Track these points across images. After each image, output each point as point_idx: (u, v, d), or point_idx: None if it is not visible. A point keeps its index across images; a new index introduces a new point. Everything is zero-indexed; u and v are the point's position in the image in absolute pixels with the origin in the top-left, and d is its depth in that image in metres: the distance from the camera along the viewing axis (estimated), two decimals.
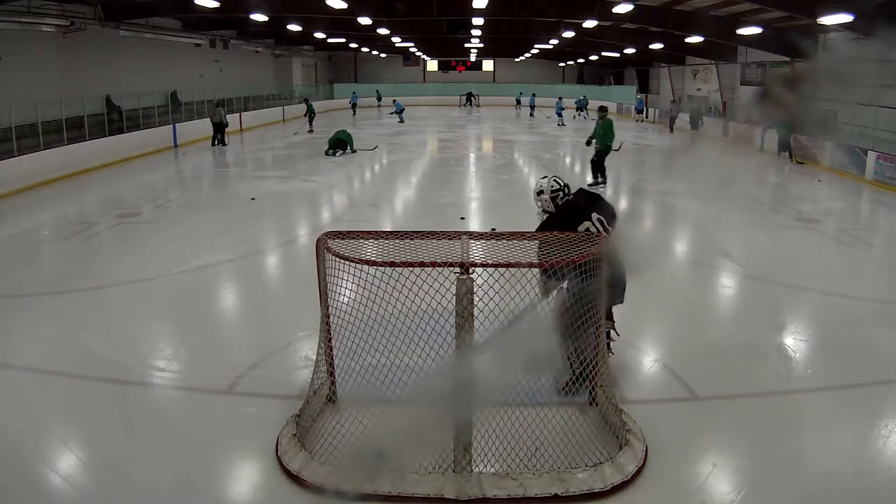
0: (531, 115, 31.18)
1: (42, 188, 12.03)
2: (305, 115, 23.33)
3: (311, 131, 22.39)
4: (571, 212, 4.27)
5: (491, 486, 3.19)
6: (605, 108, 12.50)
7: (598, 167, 12.11)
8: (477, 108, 37.23)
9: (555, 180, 4.37)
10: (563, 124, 26.79)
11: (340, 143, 16.84)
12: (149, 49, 19.38)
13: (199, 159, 16.73)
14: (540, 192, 4.37)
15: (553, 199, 4.34)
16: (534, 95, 33.05)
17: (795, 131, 16.27)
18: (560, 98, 29.26)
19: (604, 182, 12.12)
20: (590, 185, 11.70)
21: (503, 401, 3.49)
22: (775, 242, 8.41)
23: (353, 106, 32.05)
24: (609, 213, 4.26)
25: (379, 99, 36.24)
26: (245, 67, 27.80)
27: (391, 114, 28.66)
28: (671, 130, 24.51)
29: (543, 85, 39.76)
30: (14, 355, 4.84)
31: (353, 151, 16.95)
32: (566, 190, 4.37)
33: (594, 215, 4.20)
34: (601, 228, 4.14)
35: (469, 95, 37.81)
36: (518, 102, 35.30)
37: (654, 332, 5.31)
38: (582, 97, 31.67)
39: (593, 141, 12.03)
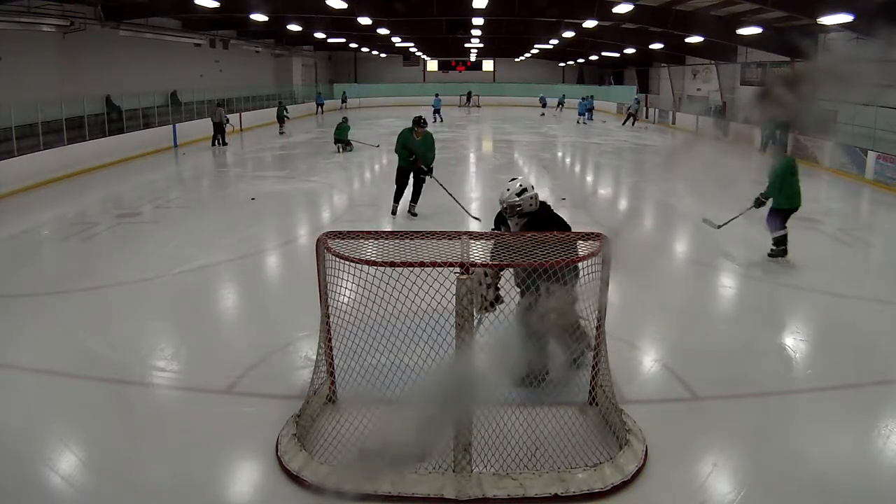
0: (569, 115, 30.05)
1: (42, 188, 12.02)
2: (279, 118, 22.95)
3: (282, 133, 22.24)
4: (549, 208, 4.32)
5: (491, 486, 3.19)
6: (423, 120, 9.32)
7: (418, 187, 9.47)
8: (477, 108, 37.11)
9: (517, 185, 4.25)
10: (584, 123, 27.52)
11: (340, 140, 17.09)
12: (149, 49, 19.38)
13: (199, 159, 16.73)
14: (524, 191, 4.21)
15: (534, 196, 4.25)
16: (563, 96, 33.39)
17: (794, 130, 16.37)
18: (583, 98, 30.06)
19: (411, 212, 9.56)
20: (409, 212, 9.51)
21: (503, 401, 3.49)
22: None
23: (320, 106, 32.27)
24: None
25: (344, 101, 35.94)
26: (245, 67, 27.79)
27: (435, 113, 27.87)
28: (625, 121, 26.95)
29: (543, 85, 39.82)
30: (14, 355, 4.84)
31: (350, 149, 17.07)
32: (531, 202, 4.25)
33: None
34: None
35: (469, 95, 37.88)
36: (543, 104, 34.23)
37: (654, 332, 5.31)
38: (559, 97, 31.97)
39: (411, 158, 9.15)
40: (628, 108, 27.74)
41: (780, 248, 7.16)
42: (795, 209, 7.13)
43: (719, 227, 7.67)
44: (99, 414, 4.01)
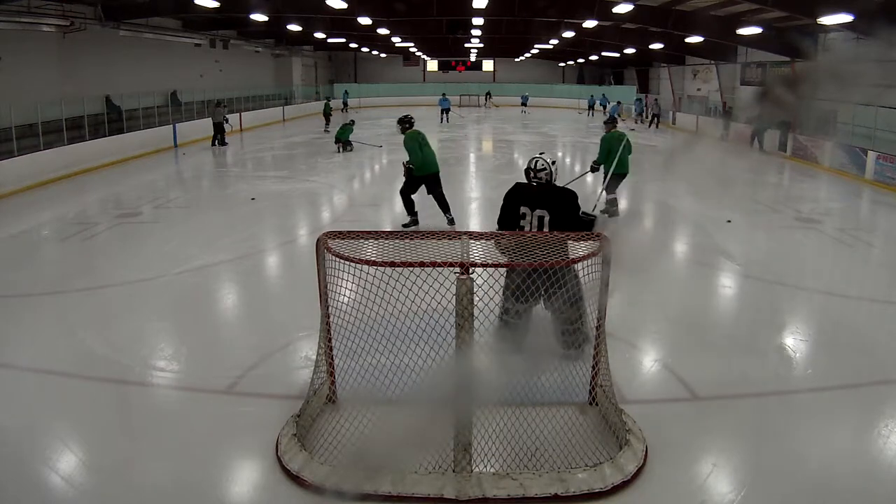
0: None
1: (42, 188, 12.02)
2: (325, 115, 23.95)
3: (327, 131, 22.77)
4: (522, 192, 4.47)
5: (491, 486, 3.19)
6: (410, 119, 8.55)
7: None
8: (485, 108, 36.87)
9: (536, 160, 4.47)
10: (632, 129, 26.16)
11: (339, 140, 17.20)
12: (149, 49, 19.38)
13: (199, 159, 16.73)
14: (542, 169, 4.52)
15: (525, 172, 4.51)
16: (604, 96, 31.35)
17: (793, 129, 16.45)
18: (639, 99, 29.59)
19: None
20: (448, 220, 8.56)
21: (503, 401, 3.49)
22: (775, 242, 8.41)
23: (346, 105, 32.61)
24: (562, 216, 4.31)
25: (345, 103, 34.49)
26: (245, 67, 27.79)
27: (443, 113, 27.21)
28: (650, 123, 26.52)
29: (542, 84, 39.86)
30: (14, 355, 4.84)
31: (350, 149, 17.14)
32: (537, 174, 4.43)
33: (538, 211, 4.32)
34: (536, 225, 4.32)
35: (488, 94, 37.79)
36: (591, 107, 32.27)
37: (654, 332, 5.30)
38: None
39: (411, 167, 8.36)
40: (651, 111, 27.05)
41: (612, 208, 9.06)
42: (624, 175, 8.97)
43: (569, 182, 8.61)
44: (99, 414, 4.01)
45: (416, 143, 8.28)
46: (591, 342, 3.82)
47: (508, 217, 4.46)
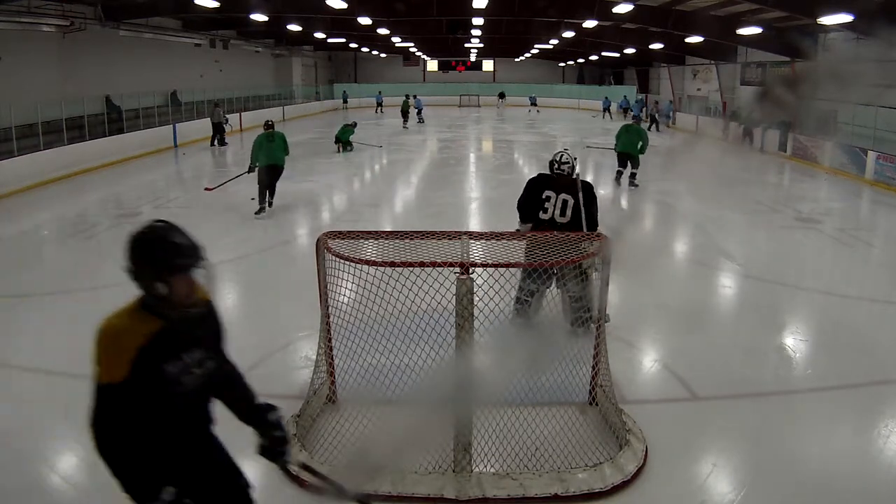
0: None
1: (42, 188, 12.02)
2: (403, 113, 24.99)
3: (405, 127, 23.95)
4: (545, 180, 4.89)
5: (491, 486, 3.19)
6: (268, 121, 10.44)
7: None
8: (500, 108, 36.59)
9: (561, 153, 4.98)
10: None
11: (339, 140, 17.21)
12: (149, 49, 19.37)
13: (199, 159, 16.72)
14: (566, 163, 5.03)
15: (550, 164, 5.02)
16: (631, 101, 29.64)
17: (793, 129, 16.46)
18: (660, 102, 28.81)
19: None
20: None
21: (503, 401, 3.49)
22: (775, 242, 8.42)
23: (379, 105, 33.25)
24: (587, 204, 4.77)
25: (345, 101, 36.02)
26: (245, 67, 27.78)
27: (418, 113, 27.28)
28: (649, 126, 25.23)
29: (542, 84, 39.83)
30: (14, 355, 4.84)
31: (350, 149, 17.14)
32: (561, 166, 4.93)
33: (563, 194, 4.77)
34: (560, 207, 4.74)
35: (502, 95, 37.79)
36: (606, 109, 30.87)
37: (654, 332, 5.31)
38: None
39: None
40: (651, 112, 26.38)
41: (618, 178, 12.09)
42: (624, 153, 11.70)
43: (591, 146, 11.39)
44: None
45: (255, 143, 9.82)
46: (595, 322, 3.83)
47: (529, 201, 4.87)
